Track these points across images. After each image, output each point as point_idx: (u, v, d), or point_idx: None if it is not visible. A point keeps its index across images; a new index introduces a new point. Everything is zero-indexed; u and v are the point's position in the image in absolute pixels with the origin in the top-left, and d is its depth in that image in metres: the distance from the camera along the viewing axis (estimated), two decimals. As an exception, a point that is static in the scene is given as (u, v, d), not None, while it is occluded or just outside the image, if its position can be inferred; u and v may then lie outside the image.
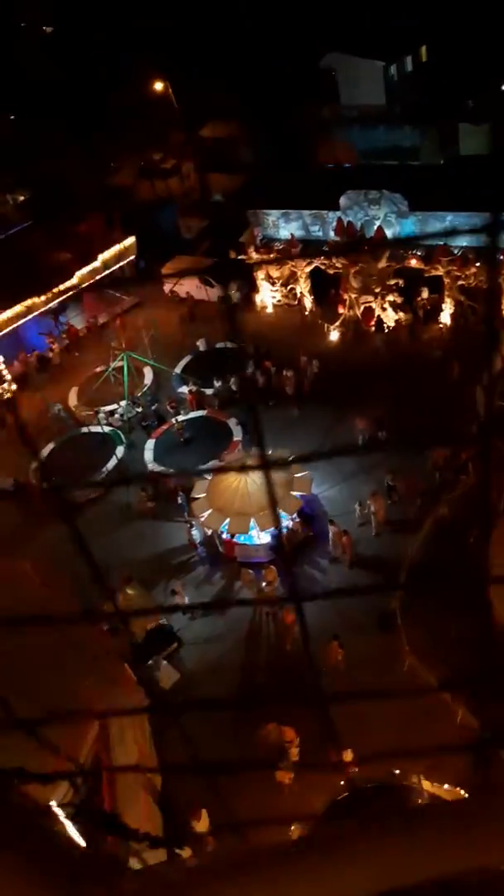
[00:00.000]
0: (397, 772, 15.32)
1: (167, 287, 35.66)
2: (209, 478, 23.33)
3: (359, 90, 47.45)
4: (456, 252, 28.68)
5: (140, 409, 28.71)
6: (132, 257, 33.05)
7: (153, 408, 29.05)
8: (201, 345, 31.34)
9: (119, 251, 32.31)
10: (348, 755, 16.01)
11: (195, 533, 23.16)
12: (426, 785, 15.08)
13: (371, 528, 22.60)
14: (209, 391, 28.92)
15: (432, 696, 17.57)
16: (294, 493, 22.46)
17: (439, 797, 15.04)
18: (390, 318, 30.12)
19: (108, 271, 32.20)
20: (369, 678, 18.39)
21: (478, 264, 27.92)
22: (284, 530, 22.49)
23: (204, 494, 22.86)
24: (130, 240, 32.73)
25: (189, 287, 34.87)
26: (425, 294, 29.93)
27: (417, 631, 19.09)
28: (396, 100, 46.98)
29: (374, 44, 45.32)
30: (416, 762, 15.53)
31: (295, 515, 22.80)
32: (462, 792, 14.82)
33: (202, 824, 15.74)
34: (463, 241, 29.40)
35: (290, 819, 14.73)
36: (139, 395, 29.33)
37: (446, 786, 15.08)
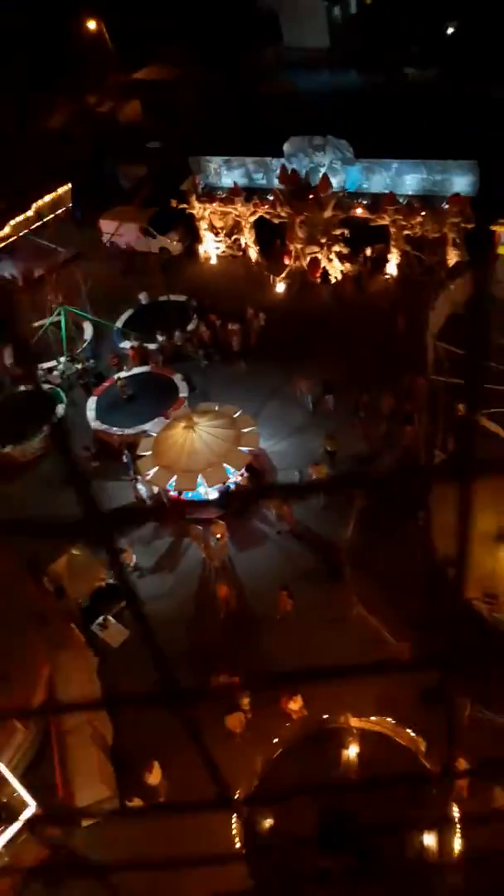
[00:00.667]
0: (325, 716, 15.60)
1: (106, 238, 34.27)
2: (154, 435, 22.83)
3: (301, 32, 45.87)
4: (402, 201, 28.31)
5: (80, 366, 27.76)
6: (68, 206, 31.38)
7: (93, 364, 28.14)
8: (143, 298, 30.35)
9: (53, 199, 30.63)
10: (298, 702, 16.25)
11: (141, 488, 22.73)
12: (354, 722, 15.44)
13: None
14: (153, 346, 28.13)
15: (381, 642, 17.87)
16: (242, 449, 22.20)
17: (368, 730, 15.44)
18: (336, 268, 29.70)
19: (42, 221, 30.56)
20: (319, 627, 18.60)
21: (423, 213, 27.64)
22: (232, 486, 22.29)
23: (149, 452, 22.38)
24: (66, 187, 31.04)
25: (129, 238, 33.61)
26: (369, 249, 29.54)
27: (365, 579, 19.32)
28: (340, 43, 45.64)
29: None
30: (365, 704, 15.85)
31: (243, 470, 22.58)
32: (389, 720, 15.20)
33: (154, 776, 15.78)
34: (408, 190, 29.05)
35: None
36: (79, 351, 28.31)
37: (373, 717, 15.47)
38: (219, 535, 20.97)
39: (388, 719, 15.56)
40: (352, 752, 15.17)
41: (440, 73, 38.87)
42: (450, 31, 43.11)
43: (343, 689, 16.82)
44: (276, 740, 15.44)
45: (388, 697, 16.37)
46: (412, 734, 15.30)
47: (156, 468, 21.76)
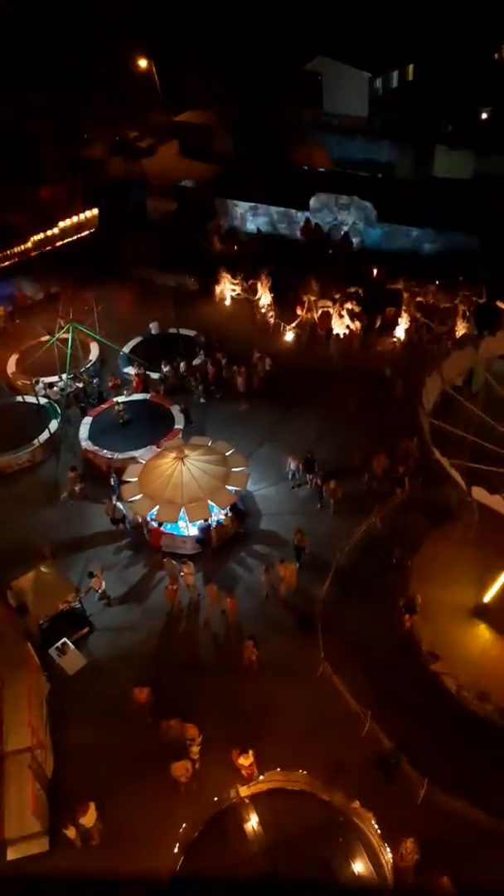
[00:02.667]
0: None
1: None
2: (143, 462, 22.59)
3: (342, 98, 47.46)
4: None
5: (81, 385, 27.69)
6: (92, 230, 31.91)
7: (98, 383, 28.10)
8: (154, 328, 30.53)
9: (79, 221, 31.16)
10: (248, 758, 15.61)
11: (120, 506, 22.33)
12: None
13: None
14: (156, 375, 28.14)
15: (342, 704, 17.28)
16: (229, 488, 21.94)
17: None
18: (345, 324, 29.99)
19: (66, 240, 31.01)
20: (281, 681, 18.01)
21: (437, 282, 28.10)
22: (214, 524, 21.94)
23: (136, 479, 22.11)
24: (93, 211, 31.62)
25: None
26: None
27: (335, 639, 18.80)
28: (378, 113, 47.18)
29: (364, 54, 45.43)
30: (317, 768, 15.22)
31: (227, 510, 22.28)
32: (357, 804, 14.56)
33: (89, 818, 14.99)
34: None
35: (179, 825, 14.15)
36: (82, 370, 28.30)
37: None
38: (187, 571, 20.46)
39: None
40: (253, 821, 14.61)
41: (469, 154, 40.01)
42: (483, 115, 44.67)
43: (297, 748, 16.25)
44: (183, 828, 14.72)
45: (341, 762, 15.74)
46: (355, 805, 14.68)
47: (139, 495, 21.44)
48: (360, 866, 14.26)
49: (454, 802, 15.10)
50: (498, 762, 15.97)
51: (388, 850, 14.16)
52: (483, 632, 18.68)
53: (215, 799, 14.88)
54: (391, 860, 14.06)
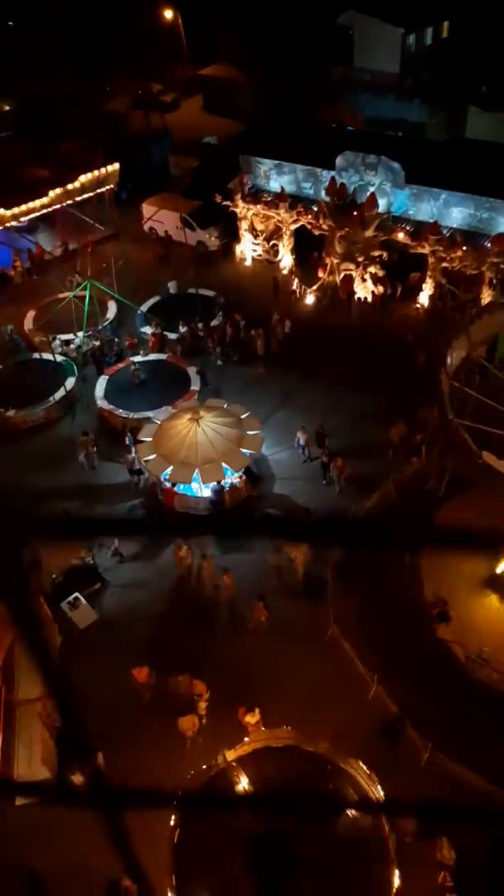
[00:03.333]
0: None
1: (146, 224, 34.16)
2: (158, 422, 22.50)
3: (373, 55, 45.95)
4: (445, 233, 28.02)
5: (98, 343, 27.51)
6: (112, 185, 31.31)
7: (117, 341, 27.90)
8: (172, 287, 30.14)
9: (100, 177, 30.55)
10: (255, 716, 15.76)
11: (132, 458, 22.38)
12: (230, 755, 15.10)
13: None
14: (173, 336, 27.87)
15: (350, 668, 17.35)
16: (243, 451, 21.82)
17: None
18: (367, 290, 29.40)
19: (85, 195, 30.47)
20: (289, 643, 18.11)
21: (464, 248, 27.31)
22: (227, 486, 21.88)
23: (150, 438, 22.04)
24: (114, 166, 30.97)
25: (169, 227, 33.49)
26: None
27: (345, 602, 18.82)
28: (410, 71, 45.68)
29: (397, 8, 43.76)
30: (323, 729, 15.34)
31: (241, 473, 22.20)
32: (361, 764, 14.68)
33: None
34: (453, 223, 28.77)
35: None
36: (99, 328, 28.08)
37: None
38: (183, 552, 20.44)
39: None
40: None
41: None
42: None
43: (302, 709, 16.38)
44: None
45: (346, 726, 15.85)
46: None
47: (154, 455, 21.40)
48: (352, 809, 14.51)
49: (456, 768, 15.20)
50: (502, 730, 16.01)
51: (379, 788, 14.33)
52: (494, 602, 18.60)
53: (204, 767, 14.86)
54: (382, 797, 14.27)
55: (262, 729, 15.71)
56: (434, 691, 16.73)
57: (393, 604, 18.73)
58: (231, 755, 14.88)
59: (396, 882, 13.11)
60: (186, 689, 16.70)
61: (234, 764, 14.81)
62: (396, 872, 13.22)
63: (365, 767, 14.63)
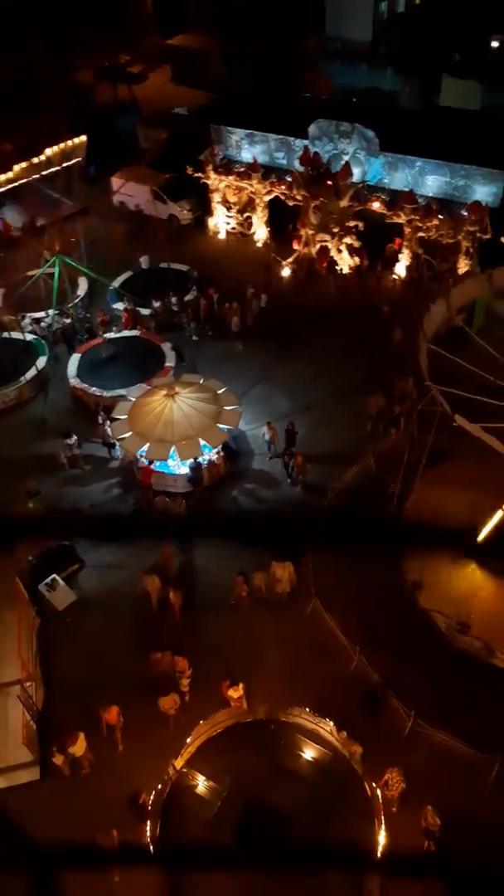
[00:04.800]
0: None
1: (116, 198, 33.33)
2: (133, 399, 22.05)
3: (346, 23, 45.03)
4: (421, 201, 27.64)
5: (69, 320, 26.87)
6: (80, 159, 30.36)
7: (88, 316, 27.25)
8: (144, 262, 29.49)
9: (66, 149, 29.58)
10: (238, 690, 15.62)
11: (109, 430, 21.96)
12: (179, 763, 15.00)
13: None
14: (146, 311, 27.30)
15: (332, 640, 17.27)
16: (220, 426, 21.48)
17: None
18: (345, 261, 29.00)
19: (52, 170, 29.52)
20: (271, 617, 17.98)
21: (440, 217, 26.98)
22: (205, 463, 21.57)
23: (125, 416, 21.61)
24: (81, 139, 30.00)
25: (140, 201, 32.72)
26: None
27: (326, 575, 18.69)
28: (383, 39, 44.86)
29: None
30: (306, 701, 15.26)
31: (219, 449, 21.89)
32: (344, 734, 14.64)
33: (78, 747, 15.07)
34: (428, 192, 28.41)
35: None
36: (70, 305, 27.41)
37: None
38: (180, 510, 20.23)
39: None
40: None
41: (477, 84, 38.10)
42: (494, 44, 42.45)
43: (286, 682, 16.29)
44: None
45: (329, 697, 15.78)
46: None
47: (129, 433, 20.99)
48: (309, 752, 14.72)
49: (439, 736, 15.22)
50: (484, 697, 16.05)
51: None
52: (475, 571, 18.59)
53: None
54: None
55: (244, 706, 15.59)
56: (416, 661, 16.71)
57: (373, 575, 18.64)
58: (179, 762, 14.63)
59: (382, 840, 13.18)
60: (168, 666, 16.50)
61: (185, 770, 14.58)
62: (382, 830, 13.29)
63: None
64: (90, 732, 15.39)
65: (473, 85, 38.05)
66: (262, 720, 15.19)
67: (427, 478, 20.93)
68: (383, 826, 13.64)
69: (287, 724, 15.16)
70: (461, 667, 16.71)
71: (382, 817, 13.70)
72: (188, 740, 14.88)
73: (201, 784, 14.56)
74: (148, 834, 13.38)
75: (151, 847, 13.28)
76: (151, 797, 14.16)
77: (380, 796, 13.95)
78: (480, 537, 18.87)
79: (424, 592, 17.91)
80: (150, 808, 14.02)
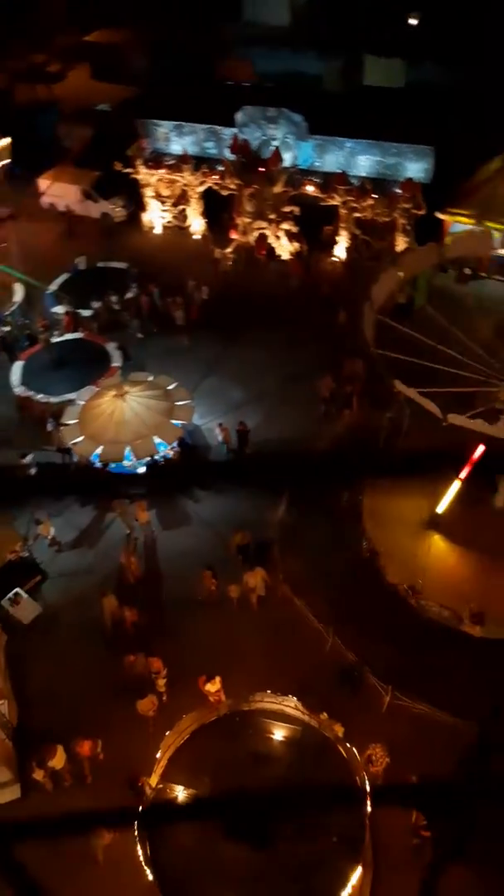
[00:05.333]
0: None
1: (45, 199, 32.54)
2: (82, 403, 21.61)
3: (263, 8, 44.74)
4: (354, 182, 27.76)
5: (8, 329, 26.14)
6: (5, 162, 29.61)
7: (28, 322, 26.55)
8: (81, 263, 28.87)
9: (-10, 152, 28.84)
10: (216, 684, 15.51)
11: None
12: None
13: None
14: (87, 313, 26.75)
15: (304, 624, 17.29)
16: (174, 422, 21.25)
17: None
18: (284, 247, 28.94)
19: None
20: (242, 608, 17.90)
21: (374, 196, 27.15)
22: (162, 460, 21.30)
23: (76, 420, 21.17)
24: (5, 141, 29.26)
25: (70, 201, 32.00)
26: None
27: (293, 561, 18.70)
28: (301, 24, 44.74)
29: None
30: (284, 686, 15.23)
31: (175, 445, 21.65)
32: (325, 715, 14.68)
33: (58, 761, 14.74)
34: (361, 172, 28.55)
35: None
36: (7, 313, 26.66)
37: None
38: (140, 516, 19.93)
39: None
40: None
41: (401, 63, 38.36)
42: (413, 21, 42.81)
43: (263, 671, 16.24)
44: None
45: (308, 681, 15.80)
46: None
47: (81, 437, 20.57)
48: (279, 732, 14.67)
49: (417, 706, 15.41)
50: (456, 664, 16.30)
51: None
52: (438, 542, 18.85)
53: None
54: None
55: (223, 699, 15.45)
56: (388, 635, 16.87)
57: (339, 554, 18.74)
58: (154, 779, 14.18)
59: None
60: (143, 668, 16.27)
61: (162, 785, 14.25)
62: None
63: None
64: (69, 744, 15.08)
65: (396, 63, 38.29)
66: (226, 714, 14.94)
67: (385, 453, 21.16)
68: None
69: (252, 712, 14.97)
70: (432, 637, 16.94)
71: (367, 787, 13.75)
72: (158, 755, 14.44)
73: (181, 794, 14.23)
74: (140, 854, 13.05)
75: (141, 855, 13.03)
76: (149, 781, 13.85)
77: (359, 759, 13.94)
78: (440, 509, 19.19)
79: (390, 567, 18.09)
80: (148, 790, 13.71)
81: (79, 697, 16.18)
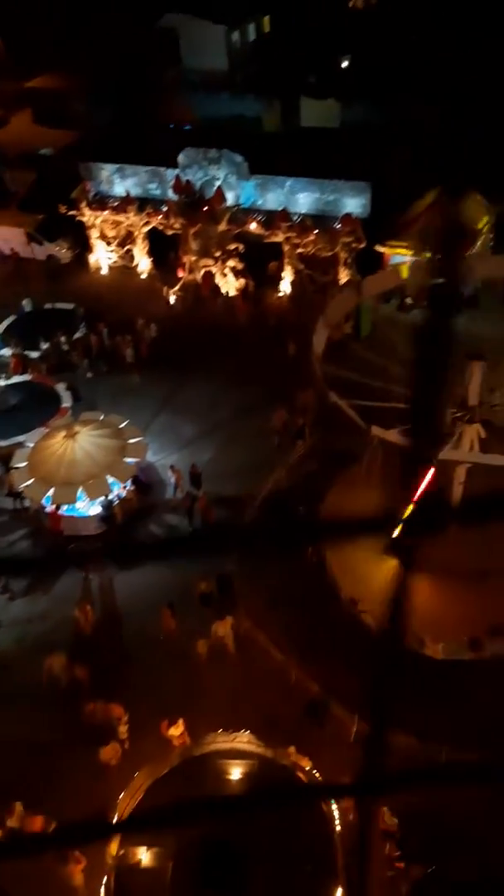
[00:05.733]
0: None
1: (-11, 243, 32.42)
2: (31, 445, 21.27)
3: (201, 54, 46.11)
4: (295, 218, 28.46)
5: (-46, 373, 25.72)
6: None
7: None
8: (27, 305, 28.73)
9: None
10: (179, 727, 15.17)
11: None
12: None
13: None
14: (35, 354, 26.54)
15: (268, 658, 17.11)
16: (127, 460, 21.06)
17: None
18: (230, 283, 29.37)
19: None
20: (204, 645, 17.60)
21: (316, 231, 27.88)
22: (117, 500, 21.05)
23: (25, 463, 20.79)
24: None
25: (15, 244, 31.94)
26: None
27: (254, 595, 18.56)
28: (239, 67, 46.26)
29: (216, 6, 44.21)
30: (250, 724, 14.97)
31: (129, 483, 21.44)
32: (293, 749, 14.46)
33: (15, 819, 14.10)
34: (302, 209, 29.29)
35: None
36: (-46, 357, 26.27)
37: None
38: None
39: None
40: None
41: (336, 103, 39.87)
42: (344, 64, 44.69)
43: (228, 709, 15.95)
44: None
45: (274, 716, 15.58)
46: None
47: (31, 480, 20.19)
48: (237, 770, 14.26)
49: (386, 732, 15.29)
50: (421, 687, 16.30)
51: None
52: (396, 567, 18.95)
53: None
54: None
55: (187, 741, 15.06)
56: (352, 663, 16.79)
57: (299, 584, 18.69)
58: (114, 848, 13.31)
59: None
60: (104, 715, 15.80)
61: (123, 851, 13.33)
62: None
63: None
64: (30, 799, 14.46)
65: (331, 104, 39.79)
66: (178, 765, 14.36)
67: (338, 482, 21.35)
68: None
69: (206, 756, 14.50)
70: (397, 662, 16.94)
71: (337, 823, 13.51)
72: (114, 821, 13.72)
73: (145, 857, 13.47)
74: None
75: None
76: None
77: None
78: (396, 533, 19.37)
79: (350, 594, 18.11)
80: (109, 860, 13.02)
81: (38, 750, 15.58)
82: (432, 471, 18.68)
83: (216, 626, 17.53)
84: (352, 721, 15.53)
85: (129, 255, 31.05)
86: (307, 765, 14.21)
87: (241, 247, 28.71)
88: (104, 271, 31.43)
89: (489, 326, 23.25)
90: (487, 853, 13.66)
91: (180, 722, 15.36)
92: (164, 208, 29.18)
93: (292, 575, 19.03)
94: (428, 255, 26.48)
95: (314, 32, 43.77)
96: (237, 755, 14.41)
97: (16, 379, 25.36)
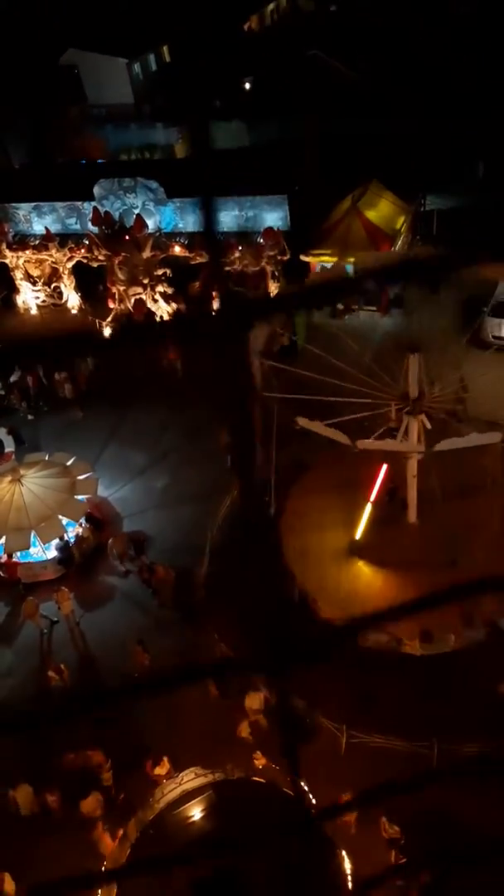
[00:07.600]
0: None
1: None
2: (-24, 495, 20.47)
3: (105, 88, 46.24)
4: (217, 238, 28.57)
5: None
6: None
7: None
8: (-44, 353, 27.87)
9: None
10: (164, 766, 14.64)
11: None
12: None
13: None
14: (-30, 401, 25.77)
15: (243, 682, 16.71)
16: (78, 497, 20.51)
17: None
18: (163, 309, 29.21)
19: None
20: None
21: (240, 248, 28.04)
22: (72, 539, 20.44)
23: (-28, 515, 19.99)
24: None
25: None
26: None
27: (224, 617, 18.18)
28: (144, 98, 46.58)
29: (113, 40, 44.51)
30: (234, 753, 14.56)
31: (83, 521, 20.87)
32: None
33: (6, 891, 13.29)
34: (223, 228, 29.47)
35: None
36: None
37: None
38: (63, 603, 18.79)
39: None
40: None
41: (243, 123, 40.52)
42: (247, 86, 45.53)
43: (211, 739, 15.51)
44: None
45: (259, 741, 15.20)
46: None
47: (-20, 532, 19.43)
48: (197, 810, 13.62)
49: (374, 740, 15.11)
50: (404, 689, 16.21)
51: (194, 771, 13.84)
52: (362, 567, 18.95)
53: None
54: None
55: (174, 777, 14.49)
56: (333, 673, 16.57)
57: (270, 598, 18.39)
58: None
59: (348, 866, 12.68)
60: (85, 763, 15.12)
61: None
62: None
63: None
64: (15, 868, 13.66)
65: (238, 125, 40.42)
66: (154, 818, 13.60)
67: (293, 490, 21.26)
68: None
69: (181, 798, 13.81)
70: (377, 664, 16.79)
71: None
72: (100, 892, 12.57)
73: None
74: None
75: None
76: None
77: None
78: (358, 535, 19.38)
79: (320, 601, 17.95)
80: None
81: (13, 814, 14.78)
82: (385, 467, 18.90)
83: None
84: (340, 732, 15.26)
85: (57, 293, 30.59)
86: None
87: (168, 271, 28.63)
88: (33, 311, 30.86)
89: (415, 324, 23.73)
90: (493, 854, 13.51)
91: (165, 760, 14.82)
92: (86, 241, 28.90)
93: (263, 592, 18.77)
94: (351, 259, 27.02)
95: (213, 57, 44.52)
96: (190, 796, 13.67)
97: (-48, 430, 24.48)
